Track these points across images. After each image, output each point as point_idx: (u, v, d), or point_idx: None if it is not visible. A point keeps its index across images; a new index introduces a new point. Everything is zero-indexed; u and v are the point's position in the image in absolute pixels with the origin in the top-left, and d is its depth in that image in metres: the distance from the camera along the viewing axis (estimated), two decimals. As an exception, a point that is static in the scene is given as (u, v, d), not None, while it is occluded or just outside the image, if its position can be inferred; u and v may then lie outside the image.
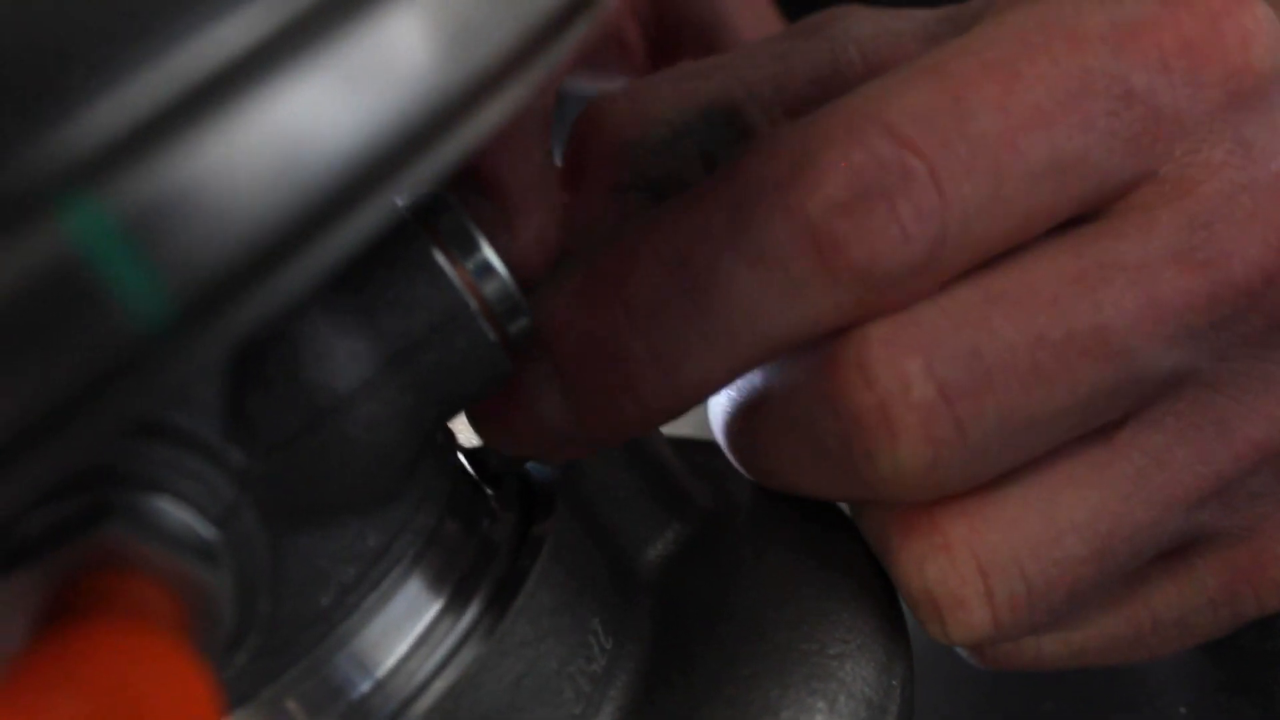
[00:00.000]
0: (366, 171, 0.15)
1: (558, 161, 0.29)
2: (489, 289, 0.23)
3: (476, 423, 0.27)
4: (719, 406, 0.29)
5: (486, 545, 0.26)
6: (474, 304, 0.23)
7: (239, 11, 0.14)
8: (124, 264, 0.13)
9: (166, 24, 0.14)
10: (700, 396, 0.26)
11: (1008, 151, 0.25)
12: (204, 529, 0.20)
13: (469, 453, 0.28)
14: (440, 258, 0.23)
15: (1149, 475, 0.27)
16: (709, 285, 0.25)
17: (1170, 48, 0.26)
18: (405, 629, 0.24)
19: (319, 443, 0.22)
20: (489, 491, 0.27)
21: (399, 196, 0.15)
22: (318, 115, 0.14)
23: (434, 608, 0.24)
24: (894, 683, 0.26)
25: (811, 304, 0.25)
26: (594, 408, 0.26)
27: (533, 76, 0.18)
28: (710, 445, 0.32)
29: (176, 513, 0.20)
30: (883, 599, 0.28)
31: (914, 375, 0.25)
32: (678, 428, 0.31)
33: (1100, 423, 0.27)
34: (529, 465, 0.29)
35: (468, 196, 0.26)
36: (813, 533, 0.29)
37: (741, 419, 0.28)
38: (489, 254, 0.23)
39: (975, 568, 0.26)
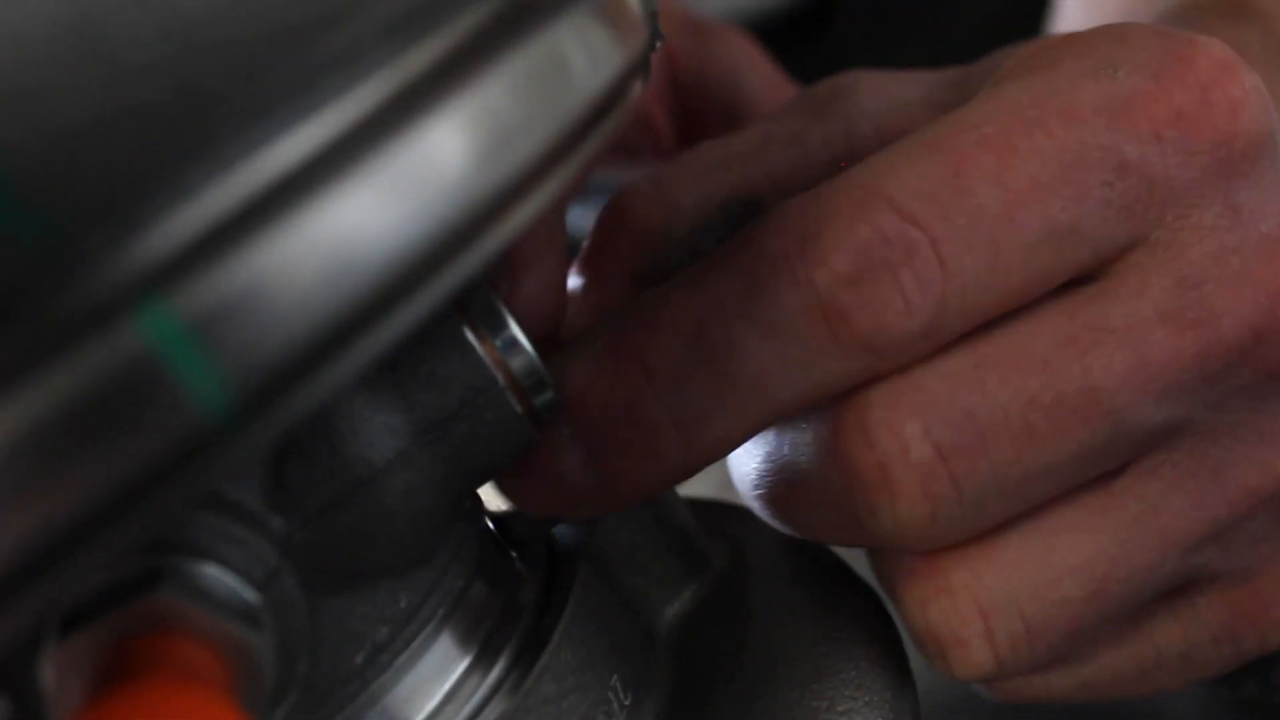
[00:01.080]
0: (411, 272, 0.16)
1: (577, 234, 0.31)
2: (516, 364, 0.25)
3: (503, 484, 0.28)
4: (739, 461, 0.30)
5: (512, 605, 0.27)
6: (502, 379, 0.24)
7: (293, 128, 0.15)
8: (192, 362, 0.14)
9: (228, 141, 0.15)
10: (717, 454, 0.28)
11: (1005, 223, 0.26)
12: (248, 593, 0.21)
13: (495, 517, 0.30)
14: (470, 335, 0.24)
15: (1145, 521, 0.28)
16: (724, 352, 0.27)
17: (1162, 119, 0.27)
18: (434, 686, 0.25)
19: (356, 511, 0.23)
20: (514, 554, 0.29)
21: (441, 296, 0.17)
22: (365, 221, 0.16)
23: (462, 665, 0.26)
24: None
25: (820, 370, 0.26)
26: (617, 467, 0.27)
27: (566, 173, 0.19)
28: (725, 506, 0.33)
29: (223, 578, 0.21)
30: (890, 655, 0.29)
31: (912, 437, 0.26)
32: (695, 488, 0.32)
33: (1096, 474, 0.28)
34: (553, 530, 0.30)
35: None
36: (824, 591, 0.30)
37: (758, 473, 0.30)
38: (516, 331, 0.25)
39: (976, 610, 0.28)
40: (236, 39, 0.14)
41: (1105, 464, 0.28)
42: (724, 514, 0.33)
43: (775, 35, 0.74)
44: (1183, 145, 0.27)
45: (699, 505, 0.33)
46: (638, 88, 0.22)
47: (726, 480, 0.32)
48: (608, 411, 0.27)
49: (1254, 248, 0.27)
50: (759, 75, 0.44)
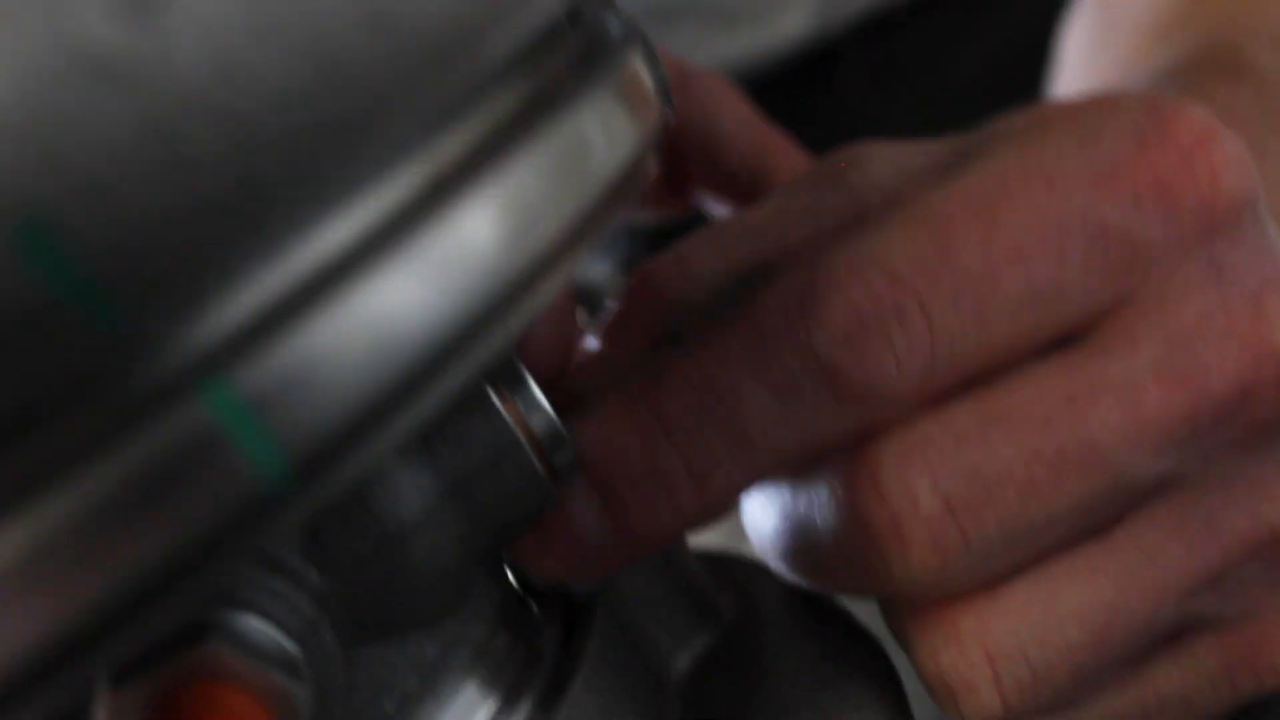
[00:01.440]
0: (448, 347, 0.17)
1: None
2: (537, 424, 0.26)
3: (518, 551, 0.29)
4: (755, 516, 0.32)
5: (533, 653, 0.28)
6: (524, 439, 0.26)
7: (340, 217, 0.17)
8: (251, 433, 0.16)
9: (281, 230, 0.16)
10: (728, 501, 0.29)
11: (989, 285, 0.28)
12: (288, 644, 0.22)
13: (516, 568, 0.31)
14: (494, 397, 0.26)
15: (1142, 569, 0.29)
16: (733, 406, 0.28)
17: (1144, 185, 0.28)
18: None
19: (387, 566, 0.25)
20: (534, 602, 0.30)
21: (475, 369, 0.18)
22: (407, 302, 0.17)
23: (486, 712, 0.27)
24: None
25: (822, 422, 0.28)
26: (633, 514, 0.29)
27: (586, 246, 0.20)
28: (734, 558, 0.34)
29: (265, 630, 0.22)
30: (895, 706, 0.30)
31: (921, 491, 0.28)
32: (706, 538, 0.33)
33: (1096, 524, 0.29)
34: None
35: None
36: (831, 643, 0.31)
37: (775, 528, 0.31)
38: (536, 392, 0.26)
39: (983, 656, 0.29)
40: (289, 135, 0.16)
41: (1105, 514, 0.29)
42: (733, 566, 0.34)
43: (778, 85, 0.76)
44: (1164, 209, 0.28)
45: (709, 557, 0.34)
46: (652, 161, 0.24)
47: (735, 530, 0.33)
48: (625, 459, 0.29)
49: (1239, 305, 0.29)
50: (736, 118, 0.46)
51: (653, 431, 0.28)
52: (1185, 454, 0.29)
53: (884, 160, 0.33)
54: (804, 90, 0.75)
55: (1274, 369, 0.29)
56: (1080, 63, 0.57)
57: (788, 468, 0.29)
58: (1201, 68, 0.46)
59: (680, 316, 0.31)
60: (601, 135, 0.21)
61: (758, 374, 0.28)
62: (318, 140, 0.16)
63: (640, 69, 0.24)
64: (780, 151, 0.45)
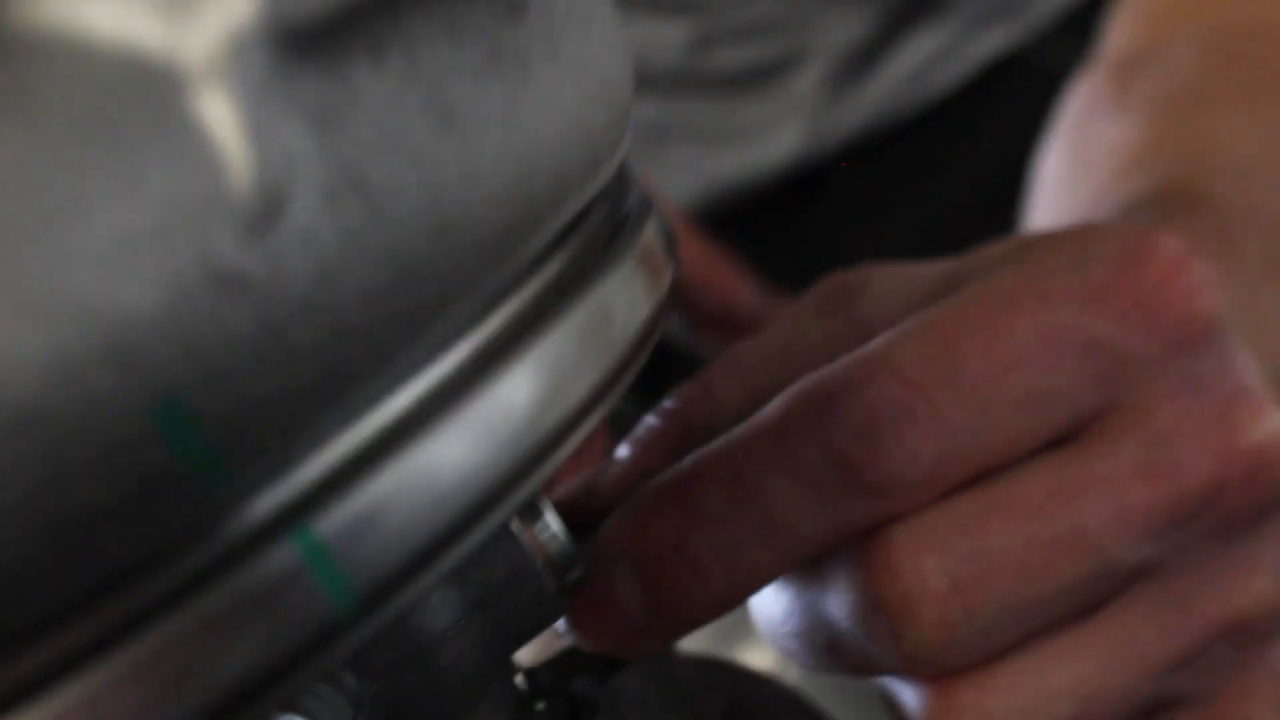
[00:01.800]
0: (490, 496, 0.21)
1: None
2: (551, 548, 0.29)
3: (572, 622, 0.32)
4: (764, 602, 0.35)
5: (540, 750, 0.31)
6: (540, 562, 0.29)
7: (403, 386, 0.20)
8: (328, 571, 0.19)
9: (355, 403, 0.19)
10: (757, 586, 0.32)
11: (992, 389, 0.31)
12: None
13: (526, 671, 0.34)
14: (515, 524, 0.29)
15: (1123, 649, 0.32)
16: (759, 496, 0.31)
17: (1128, 304, 0.32)
18: None
19: (417, 671, 0.28)
20: (542, 704, 0.33)
21: (510, 512, 0.21)
22: (457, 459, 0.20)
23: None
24: None
25: (841, 512, 0.31)
26: (669, 597, 0.32)
27: (611, 400, 0.23)
28: (722, 663, 0.37)
29: None
30: None
31: (931, 572, 0.31)
32: (693, 644, 0.36)
33: (1083, 606, 0.32)
34: (574, 683, 0.34)
35: None
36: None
37: (785, 611, 0.34)
38: (551, 518, 0.29)
39: None
40: (369, 327, 0.19)
41: (1091, 597, 0.32)
42: (720, 670, 0.37)
43: (769, 203, 0.79)
44: (1145, 326, 0.32)
45: (698, 661, 0.37)
46: (665, 319, 0.27)
47: (721, 634, 0.36)
48: (660, 547, 0.32)
49: (1209, 412, 0.32)
50: (687, 251, 0.49)
51: (685, 518, 0.32)
52: (1163, 543, 0.32)
53: (885, 287, 0.36)
54: (794, 208, 0.79)
55: (1241, 467, 0.32)
56: (1056, 191, 0.60)
57: (810, 553, 0.32)
58: (1167, 200, 0.49)
59: (707, 440, 0.35)
60: (623, 303, 0.25)
61: (782, 467, 0.31)
62: (390, 329, 0.19)
63: (654, 237, 0.27)
64: (730, 288, 0.49)
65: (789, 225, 0.80)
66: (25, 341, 0.16)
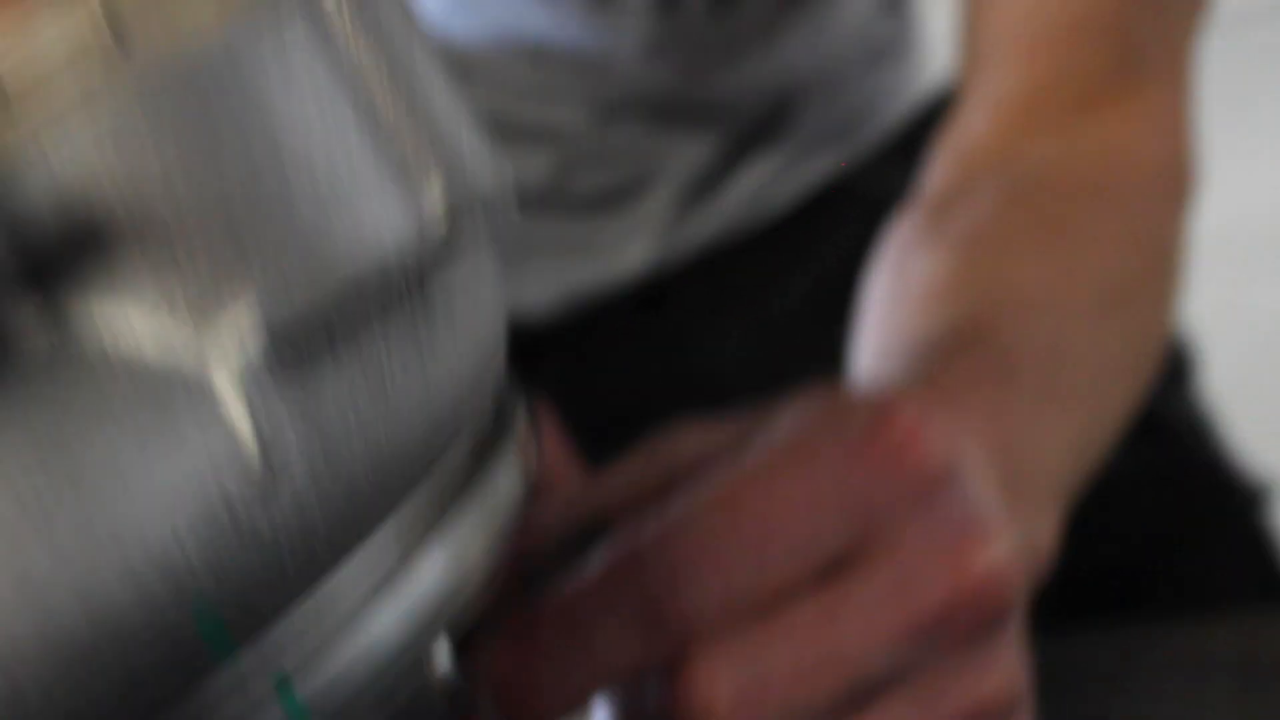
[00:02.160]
0: (412, 647, 0.28)
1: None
2: (444, 677, 0.36)
3: None
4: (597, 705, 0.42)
5: None
6: (437, 690, 0.36)
7: (356, 577, 0.27)
8: (299, 714, 0.26)
9: (322, 584, 0.27)
10: (587, 699, 0.40)
11: (768, 539, 0.39)
12: None
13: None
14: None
15: None
16: (586, 635, 0.39)
17: (876, 462, 0.40)
18: None
19: None
20: None
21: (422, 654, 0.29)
22: (389, 632, 0.27)
23: None
24: None
25: (653, 645, 0.39)
26: (518, 711, 0.39)
27: (497, 566, 0.31)
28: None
29: None
30: None
31: (721, 690, 0.38)
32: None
33: (850, 709, 0.40)
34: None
35: None
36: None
37: (613, 714, 0.41)
38: (444, 656, 0.36)
39: None
40: (333, 528, 0.26)
41: (857, 701, 0.40)
42: None
43: (618, 312, 0.87)
44: (890, 480, 0.40)
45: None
46: (531, 495, 0.35)
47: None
48: (508, 674, 0.40)
49: (946, 544, 0.40)
50: None
51: (530, 652, 0.40)
52: (915, 652, 0.40)
53: (691, 440, 0.44)
54: (645, 315, 0.87)
55: (969, 591, 0.40)
56: (877, 315, 0.67)
57: (627, 677, 0.40)
58: (959, 335, 0.56)
59: (539, 560, 0.42)
60: (506, 484, 0.32)
61: (603, 613, 0.39)
62: (343, 537, 0.27)
63: (523, 421, 0.35)
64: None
65: (641, 330, 0.87)
66: (109, 569, 0.23)
